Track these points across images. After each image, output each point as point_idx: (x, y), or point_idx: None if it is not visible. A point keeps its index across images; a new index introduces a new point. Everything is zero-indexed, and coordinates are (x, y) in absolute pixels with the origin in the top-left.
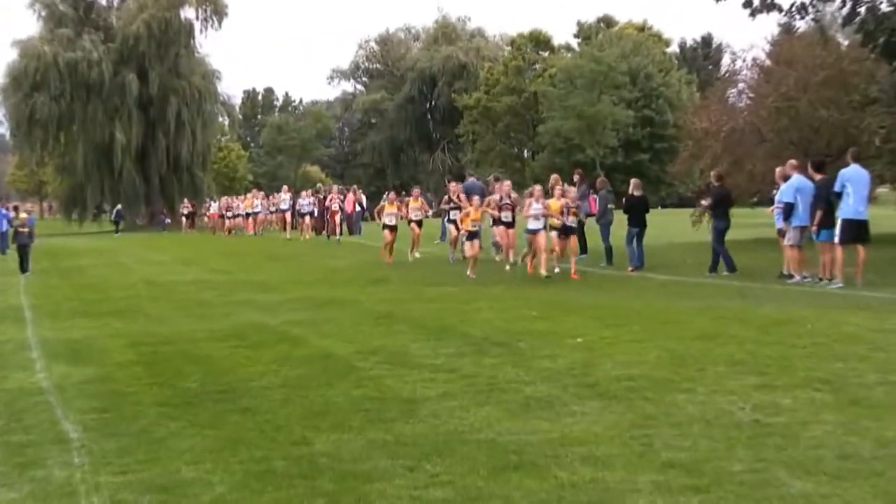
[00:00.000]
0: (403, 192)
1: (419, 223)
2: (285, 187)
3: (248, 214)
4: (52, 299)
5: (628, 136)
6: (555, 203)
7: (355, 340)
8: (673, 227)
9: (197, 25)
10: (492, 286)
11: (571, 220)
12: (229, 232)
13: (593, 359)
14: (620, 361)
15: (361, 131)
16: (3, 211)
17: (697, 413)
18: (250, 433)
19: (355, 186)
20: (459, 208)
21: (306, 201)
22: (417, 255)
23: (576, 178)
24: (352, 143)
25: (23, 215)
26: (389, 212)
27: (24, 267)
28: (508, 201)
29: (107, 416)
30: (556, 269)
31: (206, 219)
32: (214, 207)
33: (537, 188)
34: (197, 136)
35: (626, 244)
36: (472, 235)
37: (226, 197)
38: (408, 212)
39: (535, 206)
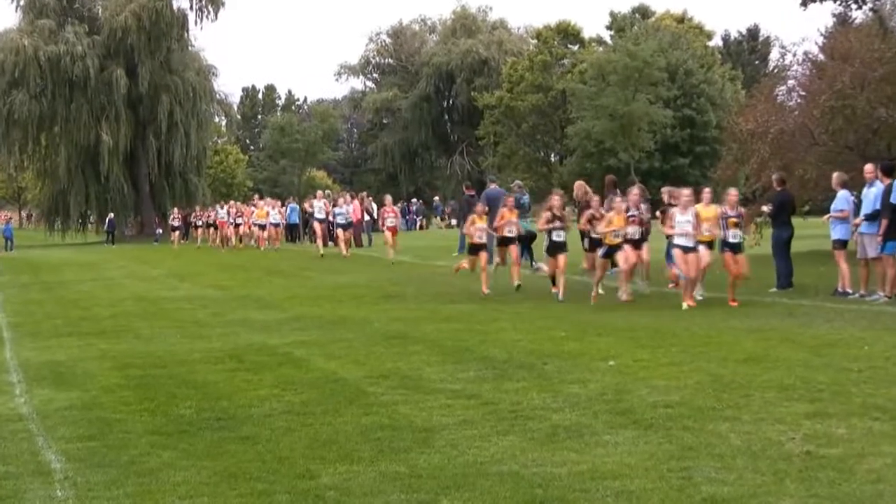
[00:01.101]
0: (406, 200)
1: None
2: (319, 193)
3: (262, 226)
4: (32, 317)
5: (666, 138)
6: (618, 218)
7: (365, 363)
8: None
9: (191, 16)
10: (515, 304)
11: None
12: (240, 240)
13: (627, 383)
14: (657, 386)
15: (372, 133)
16: None
17: (742, 444)
18: (250, 465)
19: (365, 193)
20: (563, 226)
21: (343, 209)
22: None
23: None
24: (361, 146)
25: None
26: (482, 227)
27: None
28: (636, 212)
29: (93, 446)
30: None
31: (207, 231)
32: (222, 214)
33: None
34: (191, 137)
35: (666, 258)
36: (610, 250)
37: (234, 202)
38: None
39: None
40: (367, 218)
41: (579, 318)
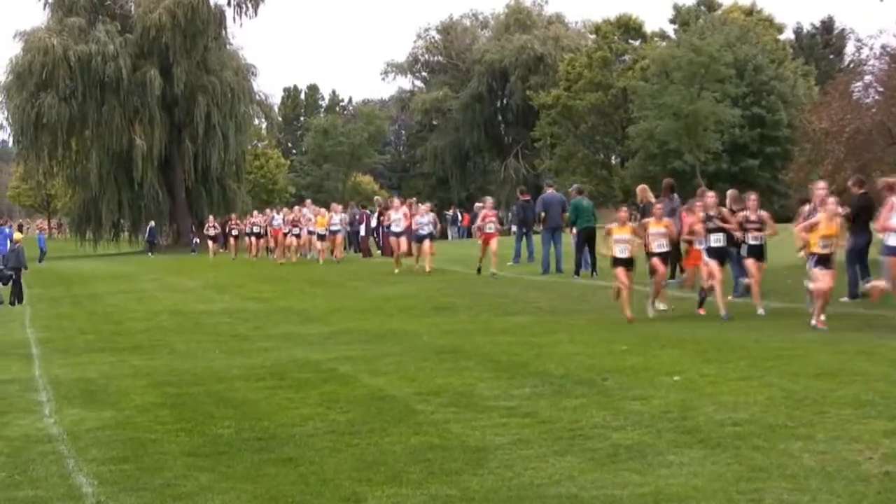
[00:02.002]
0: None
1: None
2: (397, 201)
3: (321, 235)
4: (63, 332)
5: (734, 138)
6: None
7: (414, 379)
8: (786, 244)
9: (229, 13)
10: (573, 316)
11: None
12: (298, 252)
13: (693, 400)
14: (725, 403)
15: (421, 135)
16: (7, 230)
17: (816, 464)
18: (293, 487)
19: (414, 199)
20: (724, 230)
21: (426, 219)
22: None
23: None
24: (409, 149)
25: (17, 235)
26: (619, 237)
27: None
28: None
29: (126, 468)
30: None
31: (249, 241)
32: (277, 221)
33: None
34: (229, 141)
35: (731, 266)
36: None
37: (288, 208)
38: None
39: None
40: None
41: (641, 330)
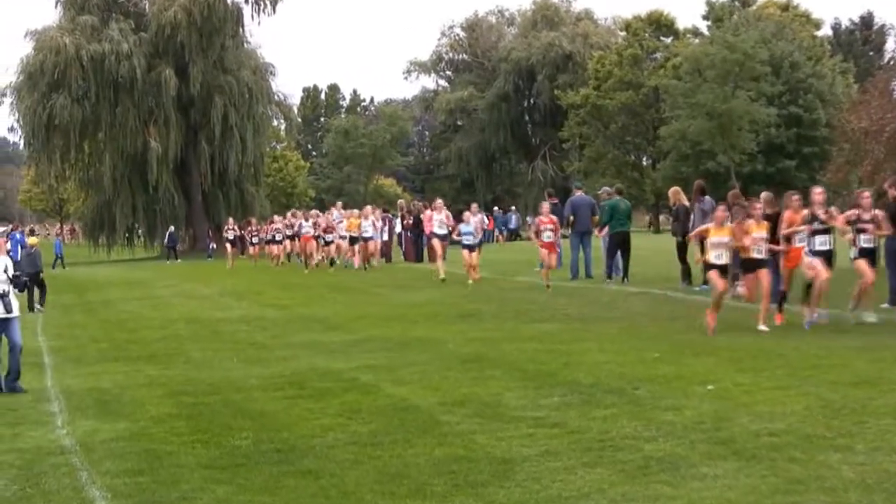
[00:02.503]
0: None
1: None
2: (440, 202)
3: (353, 239)
4: (75, 340)
5: (770, 138)
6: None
7: (439, 388)
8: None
9: (246, 10)
10: (603, 323)
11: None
12: (331, 263)
13: (727, 410)
14: (760, 413)
15: (445, 136)
16: (19, 236)
17: (856, 476)
18: (313, 501)
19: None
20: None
21: (473, 225)
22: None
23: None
24: (433, 151)
25: (32, 240)
26: (717, 240)
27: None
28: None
29: (141, 481)
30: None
31: (271, 247)
32: (307, 227)
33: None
34: (247, 143)
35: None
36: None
37: (317, 212)
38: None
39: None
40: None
41: (673, 337)
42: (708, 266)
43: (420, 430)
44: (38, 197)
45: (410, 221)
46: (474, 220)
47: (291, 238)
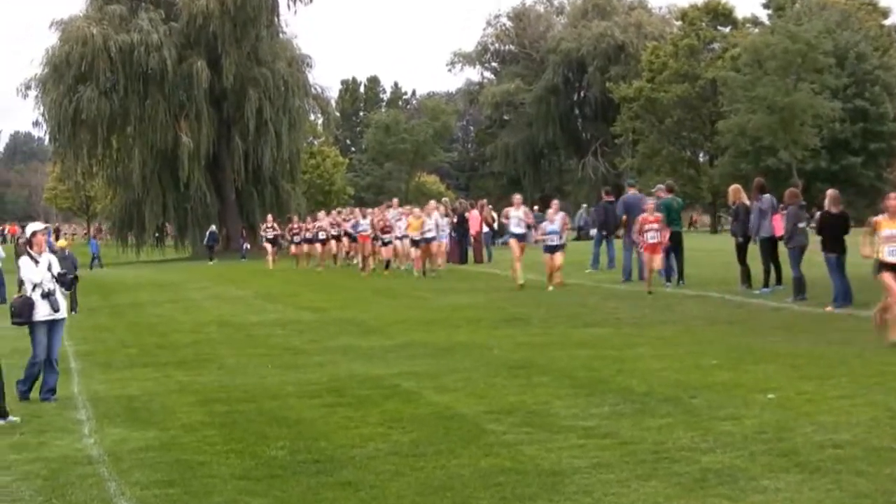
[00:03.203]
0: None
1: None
2: (519, 197)
3: (415, 241)
4: (103, 345)
5: (834, 133)
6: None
7: (484, 396)
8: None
9: (282, 0)
10: (657, 327)
11: None
12: (386, 266)
13: (789, 420)
14: (824, 423)
15: (491, 131)
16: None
17: None
18: None
19: (484, 201)
20: None
21: (557, 224)
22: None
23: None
24: (478, 147)
25: (62, 242)
26: (891, 233)
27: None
28: None
29: (172, 493)
30: None
31: (314, 246)
32: (364, 226)
33: None
34: (282, 138)
35: (830, 274)
36: None
37: (374, 209)
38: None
39: None
40: (485, 229)
41: (732, 342)
42: (882, 266)
43: (464, 440)
44: (64, 195)
45: (455, 221)
46: (558, 219)
47: (338, 238)
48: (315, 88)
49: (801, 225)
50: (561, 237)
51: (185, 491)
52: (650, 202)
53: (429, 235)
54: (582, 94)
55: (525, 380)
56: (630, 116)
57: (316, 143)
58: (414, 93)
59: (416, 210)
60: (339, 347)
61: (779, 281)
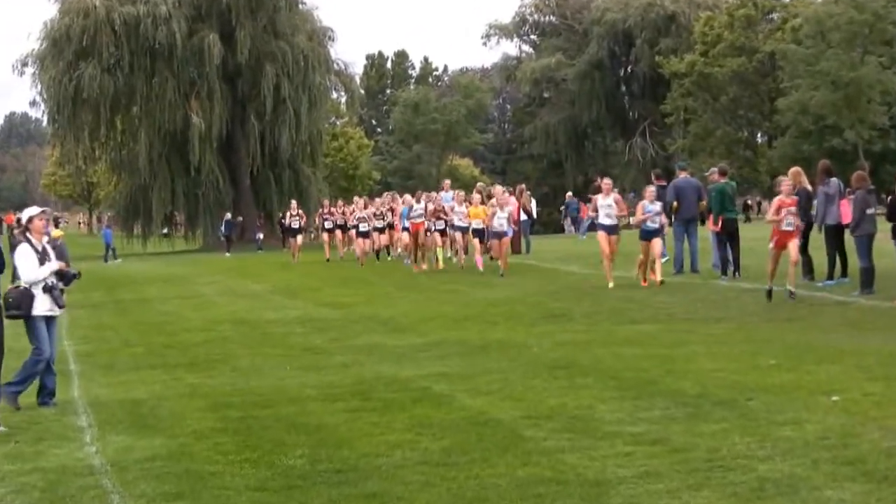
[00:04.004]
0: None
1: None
2: (608, 182)
3: (478, 232)
4: (106, 345)
5: None
6: None
7: (522, 399)
8: None
9: None
10: (711, 324)
11: None
12: (436, 261)
13: (855, 425)
14: (893, 428)
15: (529, 110)
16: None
17: None
18: None
19: (523, 187)
20: None
21: (611, 200)
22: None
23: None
24: (516, 127)
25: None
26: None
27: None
28: None
29: None
30: None
31: (357, 240)
32: (418, 210)
33: None
34: (302, 118)
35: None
36: None
37: (425, 193)
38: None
39: None
40: (524, 217)
41: (792, 339)
42: None
43: (500, 447)
44: (64, 181)
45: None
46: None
47: (382, 230)
48: (338, 64)
49: (870, 211)
50: (657, 221)
51: (196, 503)
52: (786, 182)
53: (500, 230)
54: (629, 69)
55: (566, 381)
56: (681, 94)
57: (338, 123)
58: (445, 68)
59: (476, 197)
60: (364, 347)
61: (844, 273)
